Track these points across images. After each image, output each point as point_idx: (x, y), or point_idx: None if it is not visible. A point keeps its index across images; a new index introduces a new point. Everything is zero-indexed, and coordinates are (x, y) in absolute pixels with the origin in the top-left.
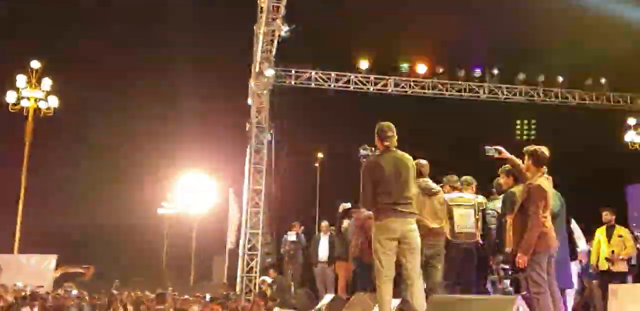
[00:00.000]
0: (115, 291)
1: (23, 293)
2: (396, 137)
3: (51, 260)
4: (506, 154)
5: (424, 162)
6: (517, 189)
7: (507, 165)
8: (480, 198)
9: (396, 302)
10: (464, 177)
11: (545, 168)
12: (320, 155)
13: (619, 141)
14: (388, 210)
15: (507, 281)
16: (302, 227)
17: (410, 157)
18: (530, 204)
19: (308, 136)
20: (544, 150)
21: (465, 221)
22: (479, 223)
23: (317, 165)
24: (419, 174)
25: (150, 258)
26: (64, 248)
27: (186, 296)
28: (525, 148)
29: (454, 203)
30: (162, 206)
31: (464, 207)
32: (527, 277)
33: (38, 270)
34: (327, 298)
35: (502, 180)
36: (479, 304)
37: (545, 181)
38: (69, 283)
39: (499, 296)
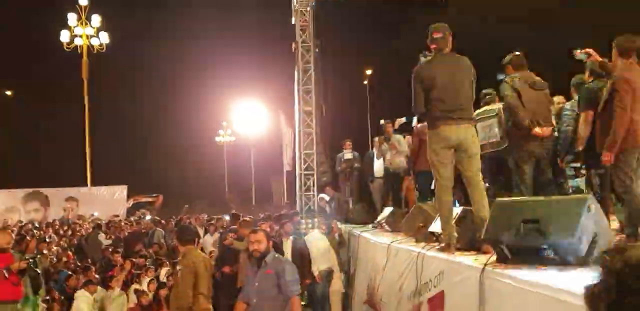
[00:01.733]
0: (185, 216)
1: (99, 222)
2: (449, 39)
3: (122, 190)
4: (596, 57)
5: (518, 53)
6: (596, 84)
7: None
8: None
9: (458, 210)
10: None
11: (634, 58)
12: (369, 71)
13: None
14: (441, 117)
15: (577, 181)
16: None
17: (467, 60)
18: (617, 98)
19: (355, 53)
20: (632, 38)
21: (487, 132)
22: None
23: (365, 82)
24: (520, 66)
25: (214, 185)
26: (133, 178)
27: (250, 216)
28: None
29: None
30: (219, 134)
31: (485, 119)
32: (613, 176)
33: (111, 200)
34: (387, 211)
35: (584, 77)
36: (547, 204)
37: (635, 72)
38: (142, 210)
39: (568, 196)
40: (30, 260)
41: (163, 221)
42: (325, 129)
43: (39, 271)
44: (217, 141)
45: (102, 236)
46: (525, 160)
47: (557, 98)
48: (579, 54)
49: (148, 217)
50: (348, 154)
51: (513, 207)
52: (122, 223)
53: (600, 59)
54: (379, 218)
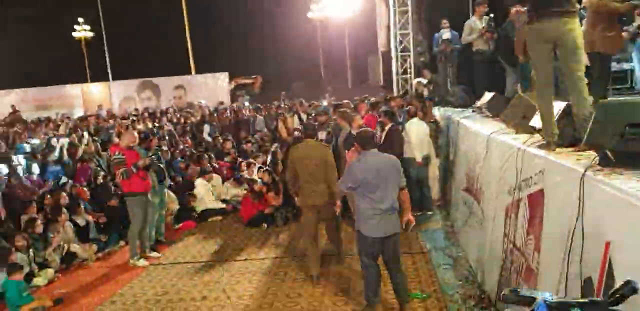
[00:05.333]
0: (282, 104)
1: (207, 110)
2: None
3: (224, 76)
4: None
5: None
6: None
7: None
8: None
9: (561, 105)
10: None
11: None
12: None
13: None
14: (539, 11)
15: None
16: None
17: None
18: None
19: None
20: None
21: None
22: None
23: None
24: None
25: (309, 66)
26: (232, 63)
27: (346, 101)
28: None
29: None
30: (311, 9)
31: None
32: None
33: (215, 87)
34: (487, 96)
35: None
36: None
37: None
38: (241, 92)
39: None
40: (154, 156)
41: (262, 107)
42: (423, 8)
43: (162, 165)
44: (309, 17)
45: (206, 128)
46: None
47: None
48: None
49: (247, 103)
50: (446, 34)
51: (617, 109)
52: (227, 112)
53: None
54: (479, 102)
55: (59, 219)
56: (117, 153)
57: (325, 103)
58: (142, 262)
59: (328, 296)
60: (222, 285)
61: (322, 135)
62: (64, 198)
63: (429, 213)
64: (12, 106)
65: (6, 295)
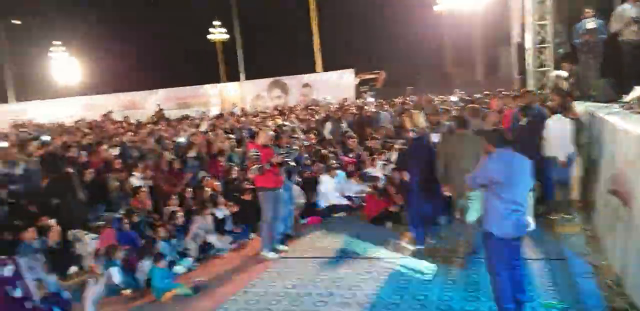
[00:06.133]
0: (408, 99)
1: (331, 107)
2: None
3: (350, 73)
4: None
5: None
6: None
7: None
8: None
9: None
10: None
11: None
12: None
13: None
14: None
15: None
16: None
17: None
18: None
19: None
20: None
21: None
22: None
23: None
24: None
25: (436, 57)
26: (357, 59)
27: (478, 95)
28: None
29: None
30: (437, 2)
31: None
32: None
33: (340, 84)
34: (638, 90)
35: None
36: None
37: None
38: (365, 87)
39: None
40: (285, 154)
41: (386, 104)
42: None
43: (293, 163)
44: (435, 10)
45: (328, 125)
46: None
47: None
48: None
49: (371, 99)
50: (590, 23)
51: None
52: (352, 108)
53: None
54: (628, 97)
55: (204, 211)
56: (253, 150)
57: (454, 98)
58: (272, 255)
59: (456, 300)
60: (348, 282)
61: (435, 137)
62: (207, 192)
63: (568, 216)
64: (158, 105)
65: (152, 281)
